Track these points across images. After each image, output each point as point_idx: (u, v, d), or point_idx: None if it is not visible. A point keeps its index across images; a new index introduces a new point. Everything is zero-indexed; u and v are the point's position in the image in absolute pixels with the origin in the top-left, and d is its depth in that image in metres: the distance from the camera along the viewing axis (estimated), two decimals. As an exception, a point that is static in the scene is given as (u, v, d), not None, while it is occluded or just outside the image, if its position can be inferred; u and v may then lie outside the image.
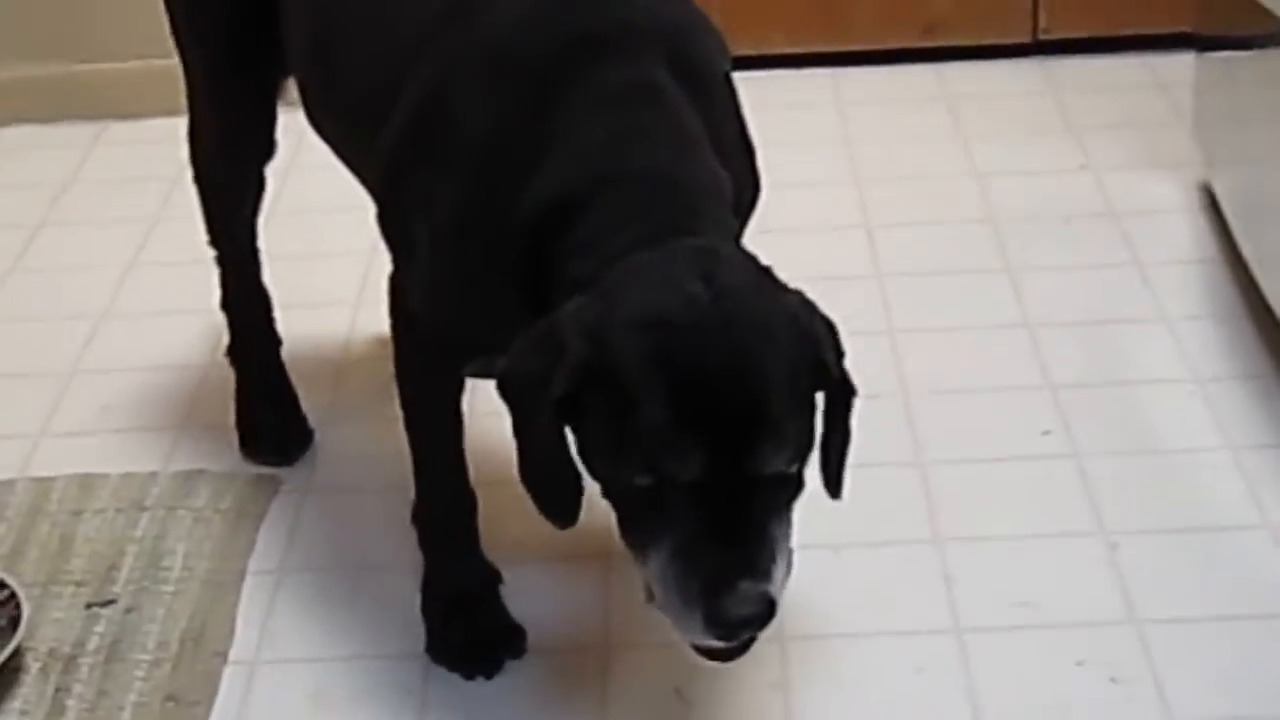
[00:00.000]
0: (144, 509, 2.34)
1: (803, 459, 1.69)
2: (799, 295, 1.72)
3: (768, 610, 1.63)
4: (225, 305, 2.48)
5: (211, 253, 2.44)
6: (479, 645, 2.07)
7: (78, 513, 2.34)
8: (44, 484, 2.40)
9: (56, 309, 2.88)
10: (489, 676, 2.05)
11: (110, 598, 2.19)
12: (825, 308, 1.74)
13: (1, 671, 2.04)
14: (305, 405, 2.50)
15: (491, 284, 1.83)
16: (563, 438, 1.71)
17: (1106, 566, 2.16)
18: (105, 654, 2.10)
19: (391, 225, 1.95)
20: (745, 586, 1.62)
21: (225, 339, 2.51)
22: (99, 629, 2.14)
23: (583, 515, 1.75)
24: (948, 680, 2.01)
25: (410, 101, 1.87)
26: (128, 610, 2.17)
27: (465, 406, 2.04)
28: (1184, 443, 2.38)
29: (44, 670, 2.08)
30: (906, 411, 2.47)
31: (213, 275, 2.46)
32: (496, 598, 2.11)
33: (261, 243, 2.45)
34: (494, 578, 2.13)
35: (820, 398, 1.71)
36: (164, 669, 2.07)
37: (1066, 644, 2.04)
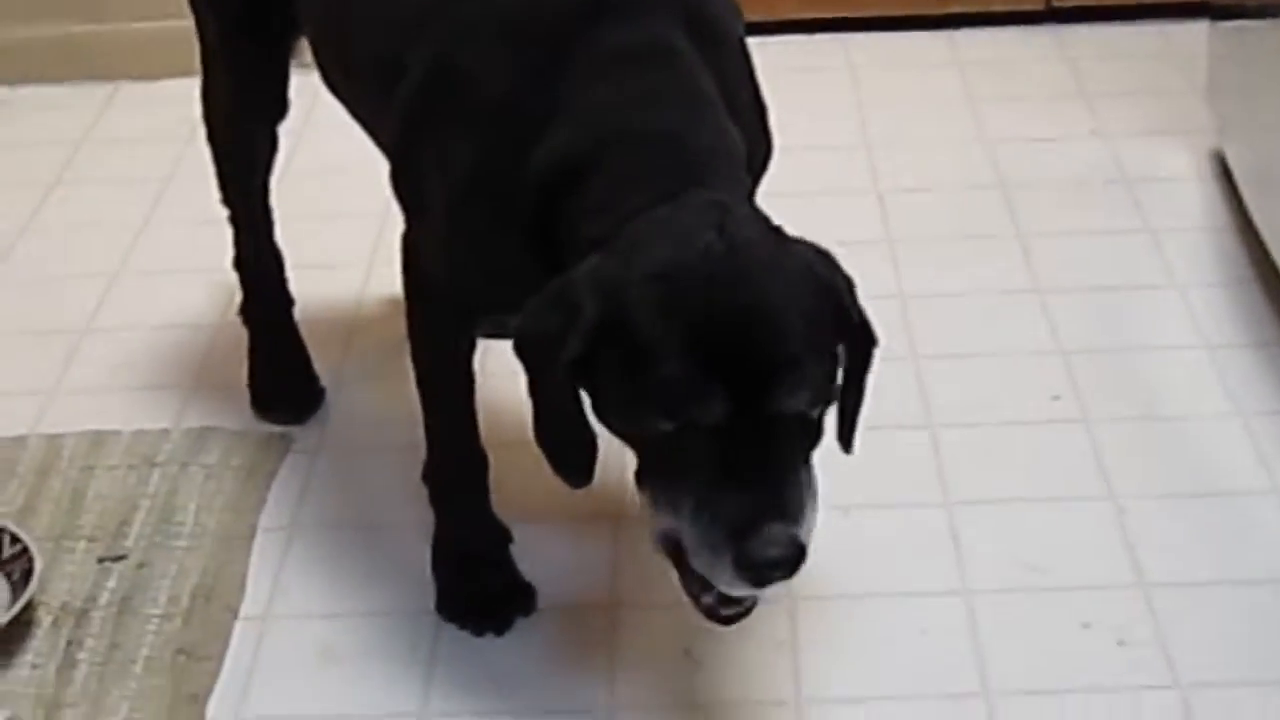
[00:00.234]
0: (156, 465, 2.35)
1: (824, 404, 1.67)
2: (815, 247, 1.72)
3: (798, 554, 1.60)
4: (238, 265, 2.48)
5: (224, 213, 2.44)
6: (489, 603, 2.08)
7: (90, 468, 2.35)
8: (56, 440, 2.41)
9: (70, 268, 2.89)
10: (498, 634, 2.06)
11: (122, 553, 2.20)
12: (838, 268, 1.74)
13: (14, 625, 2.06)
14: (317, 365, 2.51)
15: (504, 243, 1.83)
16: (578, 397, 1.71)
17: (1115, 530, 2.17)
18: (117, 608, 2.11)
19: (405, 184, 1.95)
20: (775, 529, 1.59)
21: (238, 298, 2.51)
22: (110, 584, 2.15)
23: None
24: (955, 641, 2.01)
25: (425, 60, 1.87)
26: (139, 565, 2.18)
27: (477, 367, 2.04)
28: (1193, 408, 2.39)
29: (56, 624, 2.09)
30: (917, 375, 2.47)
31: (225, 235, 2.46)
32: (506, 556, 2.12)
33: (274, 203, 2.45)
34: (504, 537, 2.14)
35: (841, 350, 1.70)
36: (175, 623, 2.08)
37: (1074, 607, 2.05)
